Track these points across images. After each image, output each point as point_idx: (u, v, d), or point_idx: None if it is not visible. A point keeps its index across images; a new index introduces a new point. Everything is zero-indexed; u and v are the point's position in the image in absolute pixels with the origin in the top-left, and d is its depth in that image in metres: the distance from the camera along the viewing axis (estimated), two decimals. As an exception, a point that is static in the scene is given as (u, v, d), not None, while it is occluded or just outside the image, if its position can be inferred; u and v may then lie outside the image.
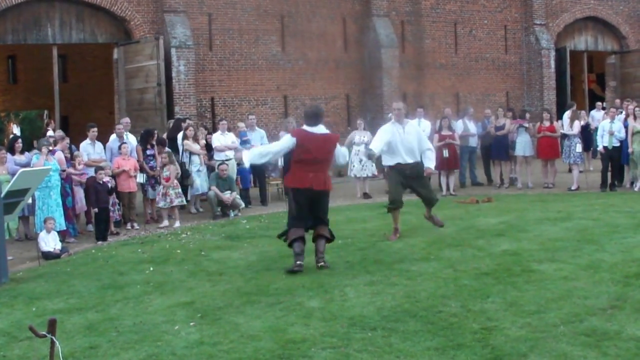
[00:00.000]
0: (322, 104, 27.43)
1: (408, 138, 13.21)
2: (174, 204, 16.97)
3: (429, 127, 20.77)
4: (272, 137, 23.83)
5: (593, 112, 27.19)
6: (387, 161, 13.55)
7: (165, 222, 16.76)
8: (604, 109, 27.20)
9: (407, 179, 13.37)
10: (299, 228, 11.16)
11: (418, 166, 13.44)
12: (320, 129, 11.35)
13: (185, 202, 17.88)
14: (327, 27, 27.87)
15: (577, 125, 21.01)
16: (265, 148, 12.60)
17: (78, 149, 17.20)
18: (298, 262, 10.83)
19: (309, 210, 11.28)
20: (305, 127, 11.40)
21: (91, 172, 16.32)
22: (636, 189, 19.43)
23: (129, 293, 10.05)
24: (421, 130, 14.94)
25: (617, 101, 28.23)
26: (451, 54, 30.86)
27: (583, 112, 26.79)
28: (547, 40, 32.68)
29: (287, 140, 11.30)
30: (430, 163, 13.50)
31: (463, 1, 31.11)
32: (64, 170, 15.30)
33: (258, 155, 11.70)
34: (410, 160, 13.24)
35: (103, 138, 18.11)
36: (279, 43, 26.85)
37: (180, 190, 17.22)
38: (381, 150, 13.11)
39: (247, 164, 12.65)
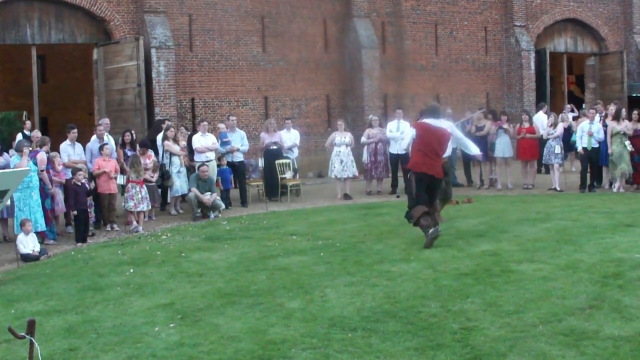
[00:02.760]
0: (302, 105, 27.53)
1: None
2: (137, 208, 16.76)
3: (408, 129, 20.81)
4: (253, 138, 23.90)
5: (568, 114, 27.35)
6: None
7: (134, 225, 16.68)
8: (572, 111, 27.43)
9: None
10: (421, 205, 12.49)
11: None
12: (440, 123, 13.14)
13: (149, 208, 17.64)
14: (308, 28, 27.87)
15: (560, 127, 21.15)
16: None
17: (58, 150, 17.14)
18: (431, 231, 12.11)
19: (426, 192, 12.73)
20: (426, 120, 13.23)
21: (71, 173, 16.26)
22: (615, 189, 19.56)
23: (109, 295, 10.03)
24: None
25: (599, 107, 28.41)
26: (431, 55, 30.90)
27: (568, 114, 26.95)
28: (527, 42, 32.78)
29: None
30: (475, 150, 14.41)
31: (443, 2, 31.16)
32: (42, 171, 15.21)
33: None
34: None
35: (82, 139, 18.06)
36: (259, 44, 26.82)
37: (146, 193, 17.09)
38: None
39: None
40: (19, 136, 19.14)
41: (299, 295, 9.33)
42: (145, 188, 16.95)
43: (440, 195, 13.83)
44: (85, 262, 12.66)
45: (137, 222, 16.63)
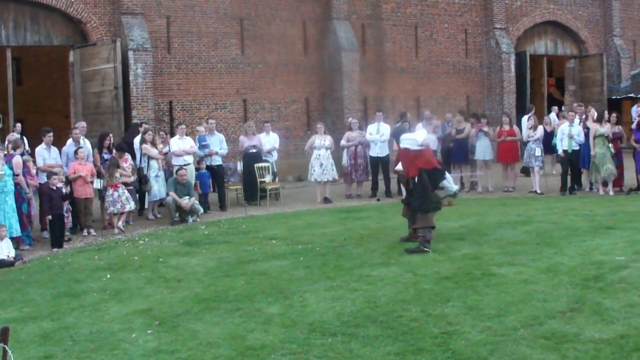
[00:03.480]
0: (282, 108, 27.53)
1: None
2: (126, 209, 16.96)
3: (388, 131, 20.81)
4: (232, 141, 23.86)
5: (551, 116, 27.45)
6: None
7: (120, 225, 16.71)
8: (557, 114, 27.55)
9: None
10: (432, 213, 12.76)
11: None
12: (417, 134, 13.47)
13: (134, 206, 17.76)
14: (287, 30, 27.86)
15: (540, 130, 21.22)
16: None
17: (33, 154, 17.04)
18: (427, 248, 12.12)
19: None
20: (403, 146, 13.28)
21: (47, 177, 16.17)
22: (602, 192, 19.62)
23: (85, 301, 9.97)
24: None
25: (575, 105, 28.52)
26: (412, 57, 30.95)
27: (550, 116, 27.06)
28: (507, 45, 32.89)
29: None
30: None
31: (424, 5, 31.23)
32: (17, 175, 15.12)
33: None
34: None
35: (59, 142, 17.95)
36: (238, 46, 26.79)
37: (128, 194, 17.17)
38: None
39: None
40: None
41: (278, 301, 9.30)
42: (125, 189, 17.02)
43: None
44: (61, 268, 12.58)
45: (126, 220, 16.95)
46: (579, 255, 11.12)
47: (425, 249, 12.02)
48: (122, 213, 16.94)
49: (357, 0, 29.37)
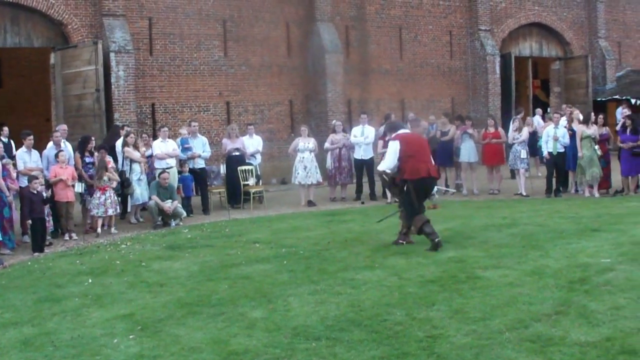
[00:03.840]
0: (265, 111, 27.51)
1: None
2: (109, 212, 16.97)
3: (373, 133, 20.84)
4: (215, 144, 23.83)
5: (535, 118, 27.56)
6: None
7: (99, 231, 16.70)
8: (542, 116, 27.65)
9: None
10: (421, 215, 12.81)
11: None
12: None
13: (119, 211, 17.79)
14: (270, 32, 27.86)
15: (526, 132, 21.28)
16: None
17: (13, 157, 16.97)
18: (437, 239, 12.40)
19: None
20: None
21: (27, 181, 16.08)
22: (587, 194, 19.69)
23: (67, 306, 9.92)
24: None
25: (564, 106, 28.64)
26: (396, 59, 31.00)
27: (532, 118, 27.13)
28: (492, 46, 32.98)
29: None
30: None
31: (408, 6, 31.28)
32: (-3, 179, 15.05)
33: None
34: None
35: (39, 145, 17.85)
36: (221, 48, 26.76)
37: (115, 199, 17.20)
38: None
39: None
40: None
41: (261, 305, 9.28)
42: (113, 193, 17.06)
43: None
44: (42, 273, 12.53)
45: (109, 225, 17.03)
46: (565, 257, 11.14)
47: (436, 239, 12.44)
48: (108, 216, 16.94)
49: (340, 2, 29.39)
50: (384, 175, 13.65)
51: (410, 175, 12.78)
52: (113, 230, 16.97)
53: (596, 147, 19.49)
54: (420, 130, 16.79)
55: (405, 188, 12.93)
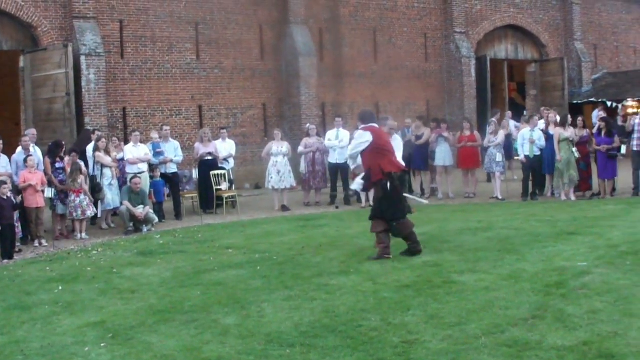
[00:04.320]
0: (238, 114, 27.47)
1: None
2: (87, 214, 16.99)
3: (347, 137, 20.84)
4: (187, 148, 23.77)
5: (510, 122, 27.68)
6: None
7: (79, 236, 16.71)
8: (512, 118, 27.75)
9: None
10: (380, 220, 12.37)
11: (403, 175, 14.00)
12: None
13: (95, 213, 17.77)
14: (243, 34, 27.82)
15: (502, 135, 21.35)
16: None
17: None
18: (419, 249, 12.31)
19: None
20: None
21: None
22: (564, 197, 19.77)
23: (37, 314, 9.86)
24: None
25: (543, 109, 28.77)
26: (371, 62, 31.03)
27: (507, 120, 27.21)
28: (468, 49, 33.09)
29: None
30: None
31: (382, 8, 31.31)
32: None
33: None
34: None
35: (8, 150, 17.73)
36: (193, 51, 26.70)
37: (89, 200, 17.20)
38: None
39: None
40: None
41: (235, 311, 9.26)
42: (87, 195, 17.12)
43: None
44: (12, 280, 12.44)
45: (80, 230, 16.98)
46: (541, 261, 11.20)
47: (387, 255, 12.04)
48: (82, 220, 16.93)
49: (314, 4, 29.38)
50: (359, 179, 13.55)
51: (392, 168, 12.41)
52: (84, 235, 16.92)
53: (574, 149, 19.59)
54: (386, 130, 16.76)
55: (388, 185, 12.32)
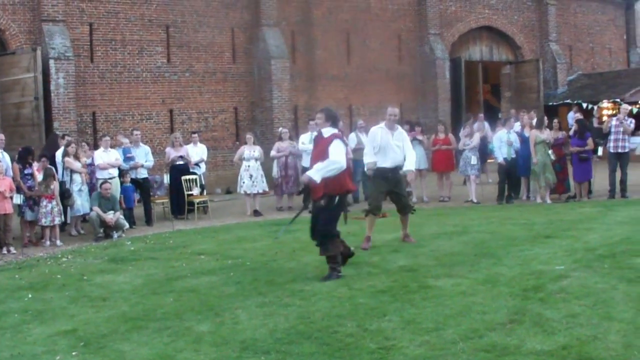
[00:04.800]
0: (210, 118, 27.42)
1: (397, 144, 13.88)
2: (56, 222, 16.93)
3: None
4: (158, 153, 23.69)
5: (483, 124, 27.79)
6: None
7: (47, 242, 16.59)
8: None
9: (388, 182, 13.89)
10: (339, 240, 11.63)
11: (398, 170, 14.01)
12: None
13: (63, 220, 17.69)
14: (215, 37, 27.80)
15: (477, 138, 21.40)
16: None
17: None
18: (339, 275, 11.22)
19: None
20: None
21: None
22: (539, 200, 19.85)
23: (6, 322, 9.77)
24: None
25: (512, 111, 28.89)
26: (344, 64, 31.06)
27: (482, 123, 27.32)
28: (442, 50, 33.20)
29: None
30: (410, 166, 13.99)
31: (356, 10, 31.34)
32: None
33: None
34: (392, 165, 13.85)
35: (-25, 157, 17.64)
36: (164, 54, 26.64)
37: (60, 207, 17.12)
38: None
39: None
40: None
41: (208, 318, 9.22)
42: (58, 202, 17.11)
43: (401, 206, 14.25)
44: (-20, 288, 12.36)
45: (53, 237, 16.93)
46: (518, 265, 11.22)
47: (339, 274, 11.30)
48: (53, 226, 16.90)
49: (287, 6, 29.40)
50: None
51: (342, 190, 11.46)
52: (58, 242, 16.82)
53: (550, 151, 19.67)
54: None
55: (335, 201, 11.34)
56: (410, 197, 21.68)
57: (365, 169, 14.69)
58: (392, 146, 13.80)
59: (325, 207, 11.26)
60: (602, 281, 9.87)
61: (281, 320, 8.87)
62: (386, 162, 13.82)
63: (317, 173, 10.99)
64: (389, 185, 13.92)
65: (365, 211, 14.09)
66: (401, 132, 14.27)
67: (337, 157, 11.09)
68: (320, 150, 11.32)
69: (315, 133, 20.70)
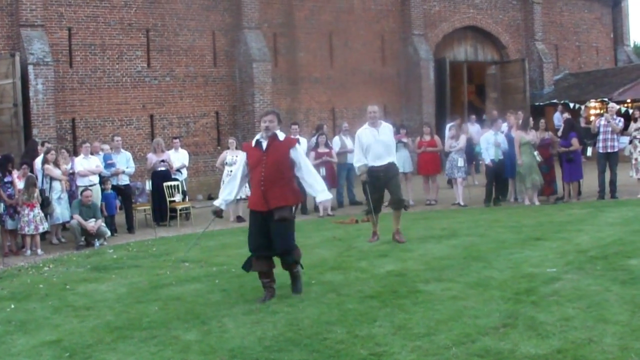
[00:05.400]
0: (191, 123, 27.38)
1: (383, 139, 14.11)
2: (40, 230, 16.92)
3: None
4: (139, 159, 23.62)
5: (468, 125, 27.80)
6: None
7: (29, 251, 16.53)
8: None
9: (380, 180, 14.17)
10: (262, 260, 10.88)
11: (391, 167, 14.23)
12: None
13: (46, 228, 17.62)
14: (196, 40, 27.78)
15: (463, 139, 21.41)
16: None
17: None
18: (271, 296, 10.44)
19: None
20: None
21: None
22: (527, 202, 19.87)
23: (-12, 333, 9.75)
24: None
25: (495, 112, 28.94)
26: (326, 67, 31.07)
27: (467, 125, 27.35)
28: (426, 51, 33.23)
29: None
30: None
31: (338, 11, 31.36)
32: None
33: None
34: (384, 162, 14.08)
35: (-47, 165, 17.57)
36: (144, 59, 26.60)
37: (43, 215, 17.08)
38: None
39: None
40: None
41: (195, 326, 9.18)
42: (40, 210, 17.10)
43: (394, 202, 14.44)
44: (-40, 299, 12.29)
45: (34, 246, 16.88)
46: (509, 268, 11.22)
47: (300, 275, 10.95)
48: (35, 235, 16.87)
49: (268, 8, 29.41)
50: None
51: (299, 199, 11.42)
52: (39, 251, 16.75)
53: (535, 153, 19.70)
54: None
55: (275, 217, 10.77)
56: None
57: (357, 173, 14.73)
58: (379, 143, 14.05)
59: (287, 219, 10.80)
60: (595, 283, 9.88)
61: (269, 328, 8.84)
62: (377, 161, 14.04)
63: (326, 191, 10.96)
64: (384, 183, 14.23)
65: (365, 212, 14.65)
66: (386, 126, 14.40)
67: (312, 167, 10.95)
68: (282, 154, 10.71)
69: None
